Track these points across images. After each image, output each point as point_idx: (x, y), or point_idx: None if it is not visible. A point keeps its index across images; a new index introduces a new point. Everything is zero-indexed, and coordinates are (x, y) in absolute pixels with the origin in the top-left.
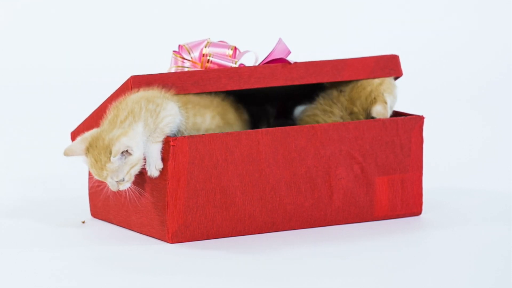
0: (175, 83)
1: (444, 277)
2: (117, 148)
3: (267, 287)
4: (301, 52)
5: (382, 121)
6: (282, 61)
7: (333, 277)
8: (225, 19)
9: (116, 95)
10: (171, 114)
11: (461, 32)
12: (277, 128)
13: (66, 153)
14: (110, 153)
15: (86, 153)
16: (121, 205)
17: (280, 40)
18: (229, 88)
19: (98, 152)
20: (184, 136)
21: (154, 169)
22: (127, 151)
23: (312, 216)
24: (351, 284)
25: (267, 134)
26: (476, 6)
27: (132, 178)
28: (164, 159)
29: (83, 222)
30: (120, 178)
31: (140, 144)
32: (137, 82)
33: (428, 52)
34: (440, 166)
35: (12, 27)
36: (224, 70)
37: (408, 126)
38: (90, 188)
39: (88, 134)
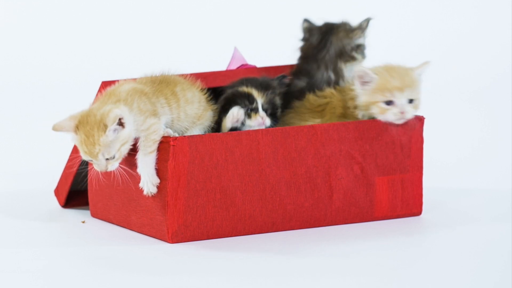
0: None
1: (445, 277)
2: (113, 116)
3: (267, 287)
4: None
5: (382, 122)
6: (244, 66)
7: (333, 277)
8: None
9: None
10: (154, 123)
11: (460, 32)
12: (277, 128)
13: (55, 128)
14: (105, 126)
15: (75, 130)
16: (121, 205)
17: (236, 50)
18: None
19: (90, 128)
20: (184, 136)
21: (151, 185)
22: (121, 124)
23: (312, 216)
24: (352, 283)
25: (267, 134)
26: (476, 6)
27: (122, 157)
28: (164, 159)
29: (83, 222)
30: (111, 155)
31: (130, 121)
32: (108, 87)
33: (427, 52)
34: (440, 166)
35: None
36: (188, 75)
37: (408, 127)
38: (90, 188)
39: (77, 113)
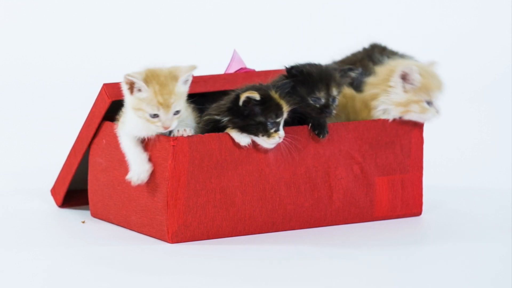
0: None
1: (445, 277)
2: (185, 69)
3: (267, 287)
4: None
5: (382, 122)
6: (243, 69)
7: (333, 277)
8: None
9: (95, 106)
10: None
11: (460, 32)
12: None
13: (129, 75)
14: (176, 77)
15: (146, 83)
16: (121, 205)
17: (235, 52)
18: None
19: (164, 78)
20: (184, 136)
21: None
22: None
23: (312, 216)
24: (352, 284)
25: None
26: (476, 6)
27: (182, 116)
28: (164, 159)
29: (83, 222)
30: (180, 107)
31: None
32: (110, 89)
33: (427, 52)
34: (440, 166)
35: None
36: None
37: (408, 127)
38: (90, 188)
39: (137, 72)
